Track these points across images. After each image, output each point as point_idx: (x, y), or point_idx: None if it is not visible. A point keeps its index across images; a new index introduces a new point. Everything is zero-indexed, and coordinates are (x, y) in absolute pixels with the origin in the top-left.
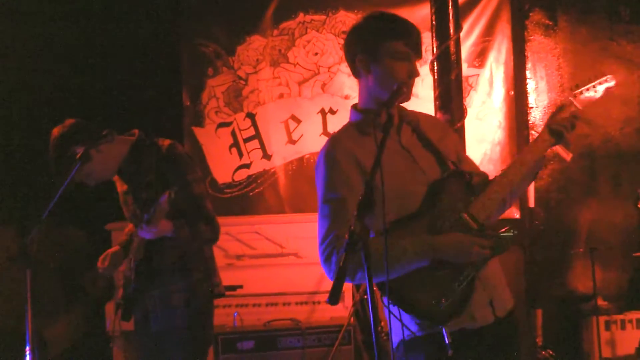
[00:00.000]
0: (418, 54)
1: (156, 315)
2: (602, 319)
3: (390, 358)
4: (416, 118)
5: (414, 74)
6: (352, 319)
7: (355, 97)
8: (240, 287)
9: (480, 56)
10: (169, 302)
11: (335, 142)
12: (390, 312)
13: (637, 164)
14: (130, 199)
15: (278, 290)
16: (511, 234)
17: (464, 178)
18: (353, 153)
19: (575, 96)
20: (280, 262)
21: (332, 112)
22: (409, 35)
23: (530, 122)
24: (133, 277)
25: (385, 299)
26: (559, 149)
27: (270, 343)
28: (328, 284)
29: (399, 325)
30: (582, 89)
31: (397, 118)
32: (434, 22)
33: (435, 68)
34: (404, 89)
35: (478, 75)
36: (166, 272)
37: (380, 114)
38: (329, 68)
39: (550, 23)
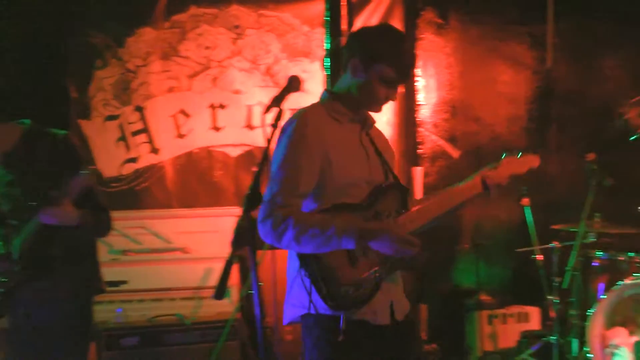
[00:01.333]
0: (405, 81)
1: (41, 308)
2: (485, 313)
3: (273, 352)
4: (371, 125)
5: (392, 98)
6: (237, 314)
7: (246, 92)
8: (125, 282)
9: None
10: (57, 294)
11: (307, 117)
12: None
13: None
14: (15, 189)
15: (163, 286)
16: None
17: (404, 192)
18: (322, 133)
19: (509, 160)
20: (166, 258)
21: (222, 107)
22: (405, 66)
23: (418, 119)
24: (17, 268)
25: (303, 271)
26: (446, 145)
27: (155, 339)
28: (214, 280)
29: (308, 299)
30: (514, 155)
31: (363, 118)
32: (327, 19)
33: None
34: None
35: None
36: (55, 263)
37: (353, 109)
38: (220, 62)
39: (442, 22)
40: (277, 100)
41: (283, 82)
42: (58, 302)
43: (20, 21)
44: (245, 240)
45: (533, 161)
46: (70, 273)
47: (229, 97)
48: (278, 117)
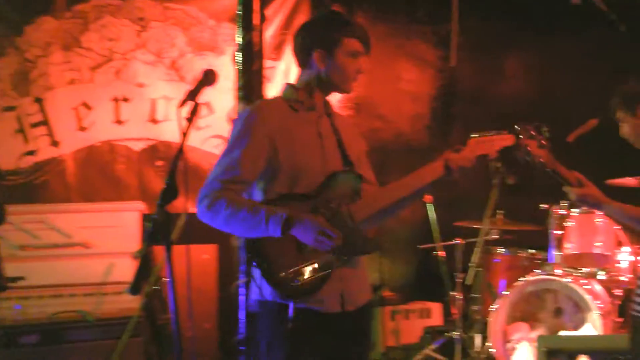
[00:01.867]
0: (368, 52)
1: None
2: (388, 309)
3: (175, 347)
4: (336, 115)
5: (362, 70)
6: (141, 311)
7: (150, 85)
8: (22, 278)
9: (277, 49)
10: None
11: (258, 107)
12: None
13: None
14: None
15: (64, 282)
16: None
17: (358, 180)
18: (270, 122)
19: (478, 141)
20: (67, 253)
21: (126, 100)
22: (366, 35)
23: None
24: None
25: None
26: None
27: (56, 336)
28: (117, 275)
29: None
30: (485, 135)
31: (323, 107)
32: (239, 12)
33: (239, 59)
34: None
35: (274, 67)
36: None
37: (313, 97)
38: (124, 54)
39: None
40: (192, 94)
41: (188, 76)
42: None
43: None
44: (161, 234)
45: (506, 140)
46: None
47: (132, 90)
48: (193, 111)
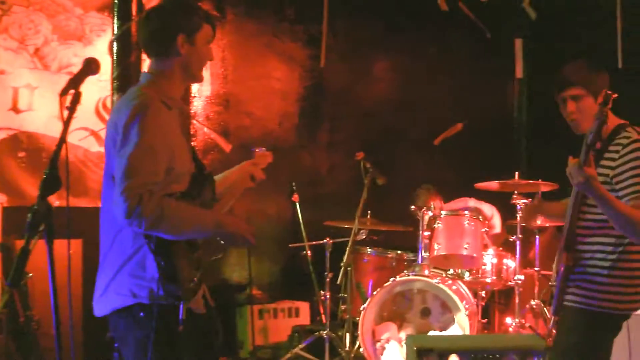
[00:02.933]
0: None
1: None
2: (256, 307)
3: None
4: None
5: (212, 58)
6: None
7: (12, 72)
8: None
9: None
10: None
11: (156, 103)
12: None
13: (293, 158)
14: None
15: None
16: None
17: (213, 182)
18: (165, 120)
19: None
20: None
21: None
22: (214, 21)
23: (192, 111)
24: None
25: (154, 258)
26: (218, 138)
27: None
28: None
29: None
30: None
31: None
32: (116, 2)
33: (115, 49)
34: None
35: (144, 59)
36: None
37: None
38: None
39: (218, 15)
40: (74, 83)
41: (53, 65)
42: None
43: None
44: (41, 225)
45: (267, 157)
46: None
47: None
48: (75, 100)
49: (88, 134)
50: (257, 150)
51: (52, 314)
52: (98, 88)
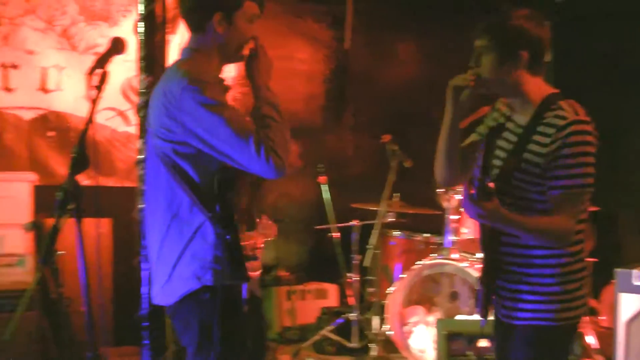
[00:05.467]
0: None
1: None
2: (284, 289)
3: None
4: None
5: (256, 37)
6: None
7: (40, 53)
8: None
9: (172, 22)
10: None
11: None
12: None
13: (319, 140)
14: None
15: None
16: None
17: None
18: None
19: None
20: None
21: (14, 67)
22: None
23: None
24: None
25: (222, 239)
26: None
27: None
28: (8, 247)
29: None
30: None
31: None
32: None
33: (141, 30)
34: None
35: (170, 41)
36: None
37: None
38: (12, 19)
39: None
40: (101, 62)
41: (81, 46)
42: None
43: None
44: (71, 204)
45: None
46: None
47: (21, 57)
48: (102, 80)
49: (115, 114)
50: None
51: (83, 291)
52: (124, 68)
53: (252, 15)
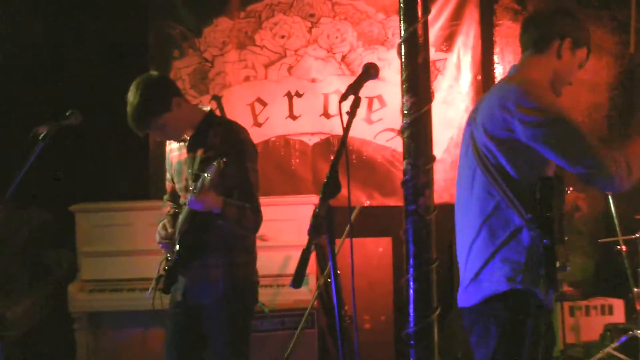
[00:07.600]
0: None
1: (193, 289)
2: (567, 304)
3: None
4: None
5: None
6: (315, 302)
7: (322, 80)
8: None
9: (448, 40)
10: (207, 276)
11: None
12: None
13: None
14: (186, 168)
15: None
16: None
17: None
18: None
19: None
20: None
21: (299, 95)
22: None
23: None
24: (177, 249)
25: (541, 242)
26: None
27: None
28: (292, 267)
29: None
30: None
31: None
32: (402, 5)
33: (403, 51)
34: None
35: (445, 59)
36: (207, 247)
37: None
38: (296, 51)
39: (519, 8)
40: (354, 88)
41: (359, 71)
42: (207, 283)
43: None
44: (323, 228)
45: None
46: (220, 258)
47: (305, 86)
48: (355, 105)
49: (394, 134)
50: None
51: (335, 308)
52: (393, 93)
53: (584, 61)
